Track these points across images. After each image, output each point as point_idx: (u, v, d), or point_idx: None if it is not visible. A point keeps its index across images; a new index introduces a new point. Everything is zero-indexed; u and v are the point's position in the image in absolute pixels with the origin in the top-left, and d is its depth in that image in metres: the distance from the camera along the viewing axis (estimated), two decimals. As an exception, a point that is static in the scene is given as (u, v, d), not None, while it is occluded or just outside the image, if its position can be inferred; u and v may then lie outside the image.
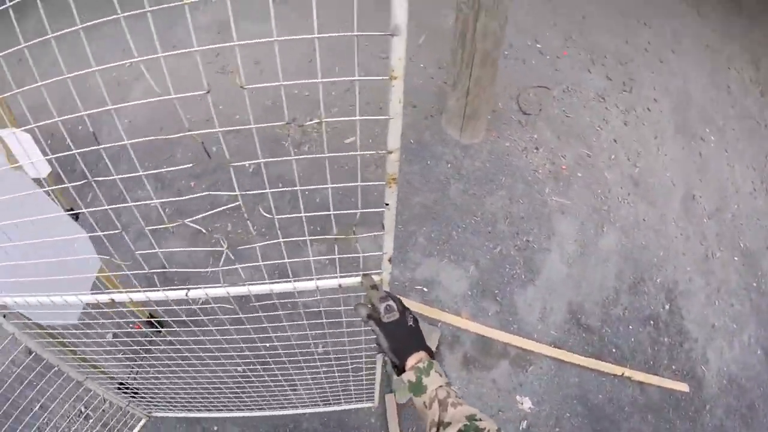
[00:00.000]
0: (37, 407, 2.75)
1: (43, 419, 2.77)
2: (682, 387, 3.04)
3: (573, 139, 3.74)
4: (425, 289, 3.08)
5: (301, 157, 0.84)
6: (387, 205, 0.95)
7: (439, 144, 3.58)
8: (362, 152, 0.83)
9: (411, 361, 1.00)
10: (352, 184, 0.90)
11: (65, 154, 0.87)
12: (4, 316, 1.76)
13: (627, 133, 3.90)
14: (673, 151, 3.94)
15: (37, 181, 2.09)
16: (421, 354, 1.01)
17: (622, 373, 2.97)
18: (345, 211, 0.94)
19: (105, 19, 0.71)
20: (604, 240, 3.36)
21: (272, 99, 3.68)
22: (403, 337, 1.02)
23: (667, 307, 3.26)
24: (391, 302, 1.04)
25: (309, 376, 2.19)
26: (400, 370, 1.02)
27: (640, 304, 3.23)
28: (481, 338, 2.98)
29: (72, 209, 3.25)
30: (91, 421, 2.77)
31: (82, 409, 2.87)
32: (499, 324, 3.01)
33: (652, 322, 3.19)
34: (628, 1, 4.91)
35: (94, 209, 1.10)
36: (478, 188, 3.41)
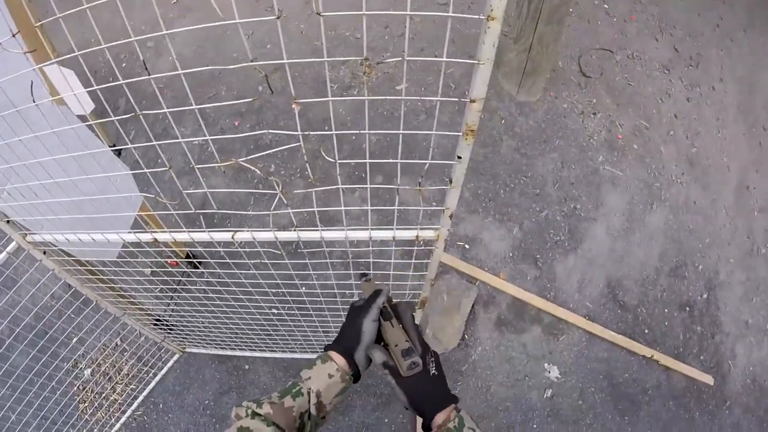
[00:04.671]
0: (74, 341, 2.80)
1: (80, 353, 2.83)
2: (707, 379, 2.97)
3: (632, 108, 3.49)
4: (466, 246, 2.92)
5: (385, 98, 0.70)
6: (459, 158, 0.86)
7: (494, 98, 3.31)
8: (442, 98, 0.72)
9: (439, 418, 0.83)
10: (426, 132, 0.82)
11: (113, 84, 0.78)
12: (44, 253, 1.75)
13: (688, 109, 3.65)
14: (733, 136, 3.71)
15: (81, 118, 2.01)
16: (450, 409, 0.84)
17: (651, 356, 2.88)
18: (414, 161, 0.79)
19: None
20: (651, 217, 3.18)
21: (322, 40, 3.36)
22: (427, 391, 0.85)
23: (704, 295, 3.14)
24: (416, 358, 0.84)
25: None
26: (426, 428, 0.85)
27: (678, 288, 3.10)
28: (517, 301, 2.85)
29: (114, 145, 3.06)
30: (126, 354, 2.81)
31: (118, 343, 2.89)
32: (536, 289, 2.88)
33: (687, 308, 3.08)
34: (705, -30, 4.54)
35: (138, 144, 1.06)
36: (530, 148, 3.19)
